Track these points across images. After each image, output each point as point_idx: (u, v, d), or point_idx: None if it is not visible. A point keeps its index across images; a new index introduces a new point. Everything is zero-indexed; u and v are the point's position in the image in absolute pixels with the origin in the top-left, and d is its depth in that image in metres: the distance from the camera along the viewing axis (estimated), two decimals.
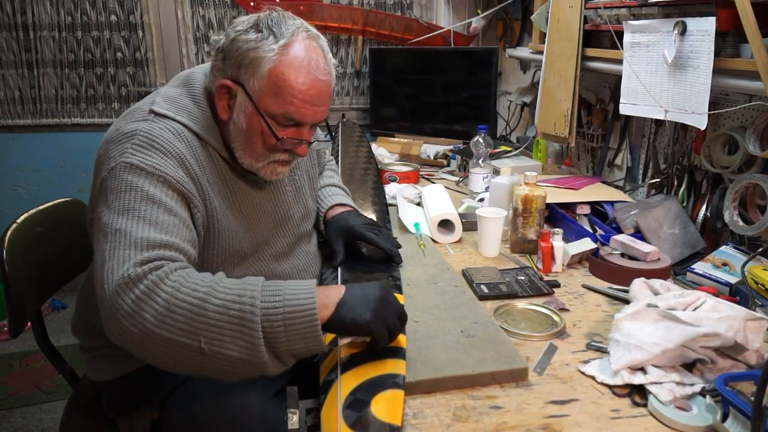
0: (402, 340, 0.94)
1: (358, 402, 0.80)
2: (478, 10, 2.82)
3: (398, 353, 0.91)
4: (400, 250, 1.32)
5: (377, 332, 0.87)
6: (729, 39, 1.27)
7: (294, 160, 1.13)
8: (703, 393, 0.88)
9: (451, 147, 2.42)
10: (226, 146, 1.08)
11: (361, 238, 1.28)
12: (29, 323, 1.27)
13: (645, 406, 0.87)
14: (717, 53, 1.28)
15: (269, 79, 0.99)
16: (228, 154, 1.08)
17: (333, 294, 0.88)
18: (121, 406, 1.13)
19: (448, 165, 2.36)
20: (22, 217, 1.28)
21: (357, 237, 1.29)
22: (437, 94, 2.68)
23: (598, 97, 2.03)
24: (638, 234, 1.42)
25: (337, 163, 1.80)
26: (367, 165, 1.85)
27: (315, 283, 0.87)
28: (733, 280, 1.21)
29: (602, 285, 1.29)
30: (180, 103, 1.05)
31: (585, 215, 1.60)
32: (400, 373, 0.86)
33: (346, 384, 0.84)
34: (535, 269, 1.37)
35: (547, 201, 1.46)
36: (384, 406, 0.79)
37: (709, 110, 1.32)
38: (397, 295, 1.12)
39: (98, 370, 1.13)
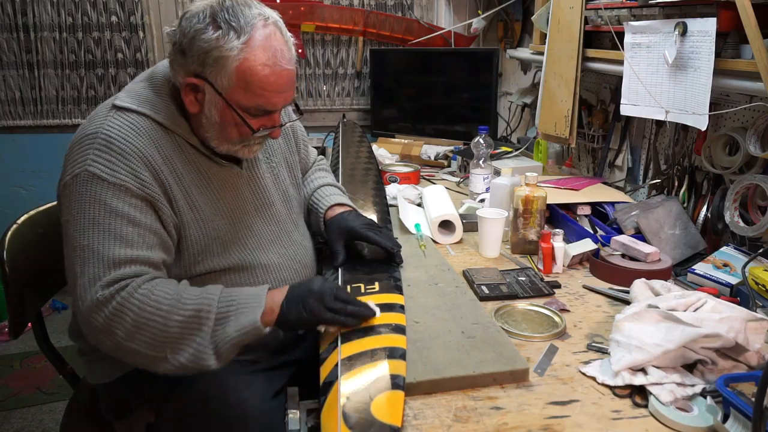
0: (402, 340, 0.94)
1: (358, 403, 0.80)
2: (479, 11, 2.82)
3: (398, 354, 0.91)
4: (400, 251, 1.31)
5: (327, 319, 0.96)
6: (730, 40, 1.27)
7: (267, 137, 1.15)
8: (703, 394, 0.88)
9: (451, 148, 2.42)
10: (195, 134, 1.09)
11: (361, 238, 1.28)
12: (30, 324, 1.27)
13: (646, 407, 0.87)
14: (718, 54, 1.28)
15: (237, 75, 1.00)
16: (197, 141, 1.09)
17: (277, 298, 0.98)
18: (118, 409, 1.12)
19: (449, 166, 2.36)
20: (23, 218, 1.28)
21: (358, 237, 1.28)
22: (438, 95, 2.68)
23: (598, 97, 2.03)
24: (639, 235, 1.42)
25: (338, 163, 1.80)
26: (367, 165, 1.85)
27: (266, 288, 0.99)
28: (733, 280, 1.21)
29: (603, 286, 1.29)
30: (142, 95, 1.06)
31: (586, 216, 1.60)
32: (400, 374, 0.86)
33: (347, 385, 0.83)
34: (536, 270, 1.37)
35: (548, 202, 1.46)
36: (384, 407, 0.79)
37: (710, 111, 1.32)
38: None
39: (95, 373, 1.13)
